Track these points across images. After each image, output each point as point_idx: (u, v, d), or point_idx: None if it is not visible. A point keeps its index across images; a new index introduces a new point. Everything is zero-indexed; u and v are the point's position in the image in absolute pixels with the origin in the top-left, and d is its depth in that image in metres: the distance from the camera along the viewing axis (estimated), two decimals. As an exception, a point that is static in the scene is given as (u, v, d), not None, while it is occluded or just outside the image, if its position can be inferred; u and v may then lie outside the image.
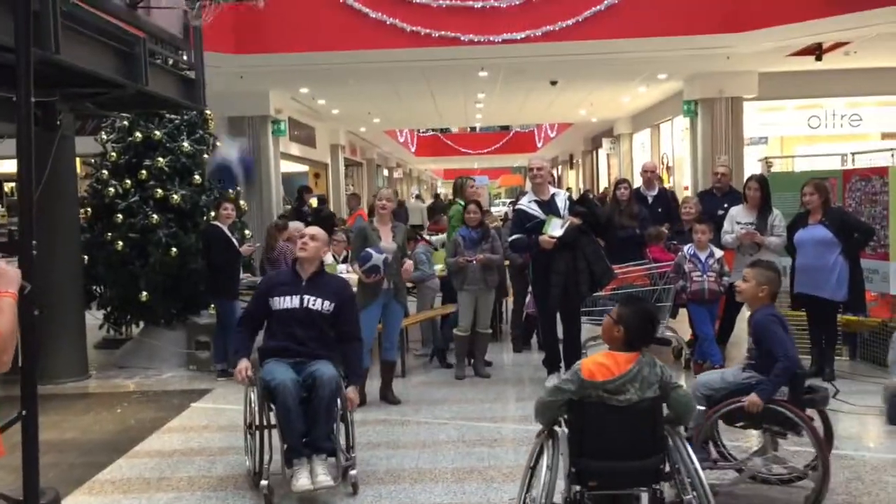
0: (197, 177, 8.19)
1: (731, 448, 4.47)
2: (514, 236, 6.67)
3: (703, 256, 6.79)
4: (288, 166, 18.84)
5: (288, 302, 4.61)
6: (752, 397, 3.85)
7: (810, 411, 4.00)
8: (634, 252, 7.64)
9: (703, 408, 3.98)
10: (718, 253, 6.87)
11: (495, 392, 6.78)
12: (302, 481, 4.24)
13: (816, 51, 12.98)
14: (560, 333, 6.76)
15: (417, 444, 5.37)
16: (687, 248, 6.94)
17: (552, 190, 6.73)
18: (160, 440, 5.75)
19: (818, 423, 4.05)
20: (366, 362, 6.15)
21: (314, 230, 4.86)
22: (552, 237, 6.32)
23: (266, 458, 4.42)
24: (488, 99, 18.40)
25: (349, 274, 8.92)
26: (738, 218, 6.95)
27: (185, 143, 8.21)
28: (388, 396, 6.43)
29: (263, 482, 4.30)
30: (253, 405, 4.50)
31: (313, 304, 4.63)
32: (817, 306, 6.54)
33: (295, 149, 18.72)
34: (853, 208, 7.20)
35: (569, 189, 13.81)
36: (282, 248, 8.76)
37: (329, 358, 4.58)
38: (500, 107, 20.25)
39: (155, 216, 7.86)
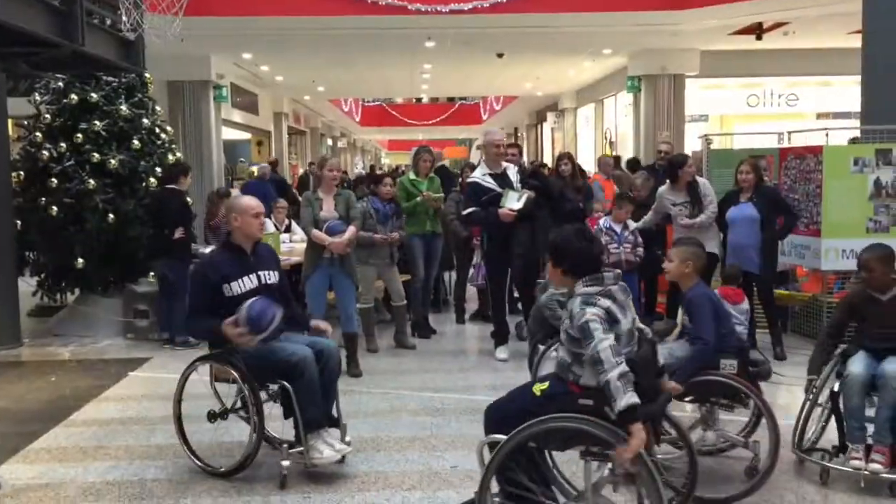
0: (136, 142, 7.99)
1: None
2: (468, 209, 6.64)
3: (618, 229, 6.95)
4: (229, 133, 18.50)
5: (247, 283, 4.30)
6: (673, 384, 3.83)
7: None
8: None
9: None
10: (633, 225, 7.03)
11: (438, 362, 6.83)
12: (328, 452, 4.16)
13: (757, 30, 13.24)
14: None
15: (359, 413, 5.38)
16: (602, 222, 7.08)
17: (503, 163, 6.75)
18: (97, 409, 5.66)
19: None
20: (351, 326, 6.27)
21: (261, 206, 4.58)
22: (512, 210, 6.36)
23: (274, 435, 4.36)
24: (434, 70, 18.30)
25: (292, 244, 8.90)
26: (670, 199, 7.04)
27: (123, 107, 7.99)
28: (351, 370, 6.32)
29: (285, 462, 4.16)
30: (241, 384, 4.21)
31: (269, 279, 4.44)
32: (749, 282, 6.73)
33: (237, 116, 18.38)
34: (788, 186, 7.39)
35: (533, 162, 13.80)
36: (223, 215, 8.64)
37: (290, 330, 4.49)
38: (447, 78, 20.17)
39: (91, 181, 7.65)
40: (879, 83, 7.39)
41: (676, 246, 4.39)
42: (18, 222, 7.74)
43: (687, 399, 4.13)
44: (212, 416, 4.43)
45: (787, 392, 5.74)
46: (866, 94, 7.52)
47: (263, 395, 4.25)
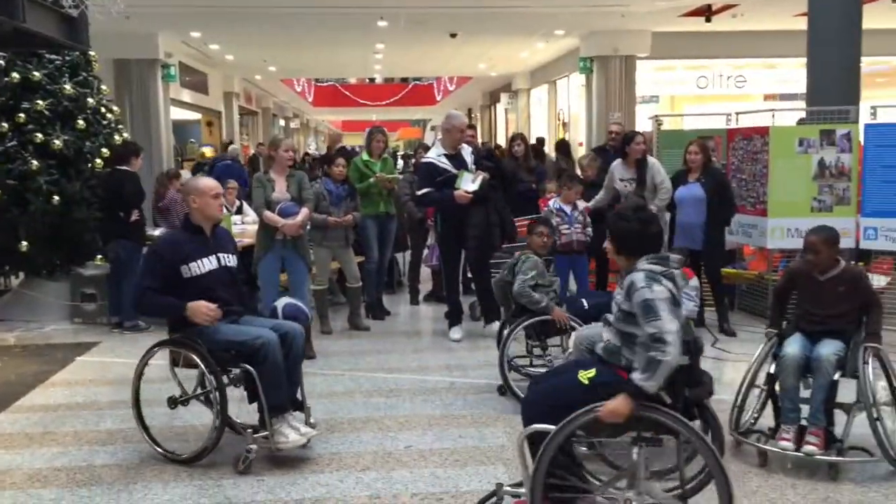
0: (81, 122, 7.79)
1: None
2: (423, 190, 6.61)
3: (568, 209, 7.01)
4: (179, 113, 18.16)
5: (207, 264, 4.25)
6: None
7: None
8: (530, 206, 7.78)
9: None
10: (582, 205, 7.10)
11: (392, 343, 6.84)
12: (293, 436, 4.13)
13: (706, 12, 13.41)
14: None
15: (313, 395, 5.35)
16: (552, 203, 7.14)
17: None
18: (44, 394, 5.55)
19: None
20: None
21: (220, 187, 4.52)
22: (467, 192, 6.36)
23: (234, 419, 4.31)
24: (388, 50, 18.17)
25: (243, 225, 8.80)
26: (618, 174, 7.15)
27: (67, 86, 7.78)
28: (305, 352, 6.27)
29: (252, 447, 4.11)
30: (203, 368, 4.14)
31: (228, 261, 4.37)
32: (692, 258, 6.85)
33: (186, 95, 18.05)
34: (736, 166, 7.52)
35: (484, 143, 13.83)
36: (173, 197, 8.51)
37: (249, 312, 4.45)
38: (400, 58, 20.06)
39: (35, 162, 7.45)
40: (824, 65, 7.54)
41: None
42: (-42, 205, 7.51)
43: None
44: (172, 402, 4.36)
45: (732, 368, 5.87)
46: (811, 75, 7.67)
47: (225, 379, 4.20)
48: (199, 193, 4.32)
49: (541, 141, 14.84)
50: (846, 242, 6.83)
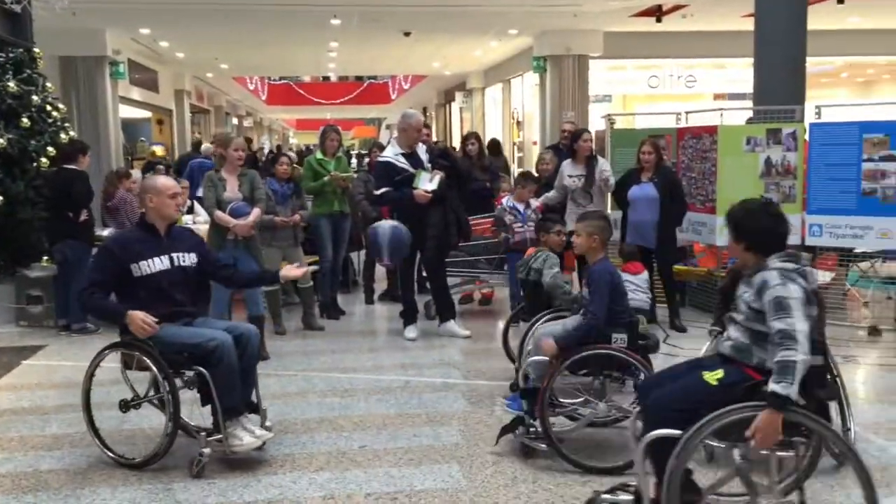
0: (25, 120, 7.61)
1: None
2: (381, 189, 6.57)
3: (521, 208, 7.06)
4: (128, 111, 17.84)
5: (158, 264, 4.15)
6: (548, 342, 4.02)
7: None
8: (485, 205, 7.80)
9: (546, 359, 4.11)
10: (535, 203, 7.16)
11: (346, 343, 6.81)
12: (248, 439, 4.06)
13: (657, 13, 13.59)
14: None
15: (266, 396, 5.28)
16: (506, 201, 7.18)
17: None
18: (-12, 400, 5.41)
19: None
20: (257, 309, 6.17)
21: (177, 187, 4.45)
22: (426, 191, 6.35)
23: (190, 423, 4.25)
24: (341, 48, 18.07)
25: (195, 225, 8.67)
26: (567, 171, 7.23)
27: (11, 83, 7.59)
28: (260, 353, 6.22)
29: (205, 450, 4.03)
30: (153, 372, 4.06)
31: (183, 261, 4.27)
32: (644, 256, 6.94)
33: (136, 93, 17.74)
34: (686, 164, 7.64)
35: (437, 142, 13.87)
36: (122, 196, 8.36)
37: (203, 314, 4.40)
38: (354, 56, 19.97)
39: (-23, 162, 7.26)
40: (770, 65, 7.70)
41: (582, 220, 4.42)
42: None
43: (581, 373, 4.22)
44: (124, 405, 4.27)
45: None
46: (758, 76, 7.82)
47: (178, 382, 4.13)
48: (156, 192, 4.24)
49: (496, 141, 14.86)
50: (792, 239, 6.98)
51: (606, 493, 3.46)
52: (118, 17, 13.38)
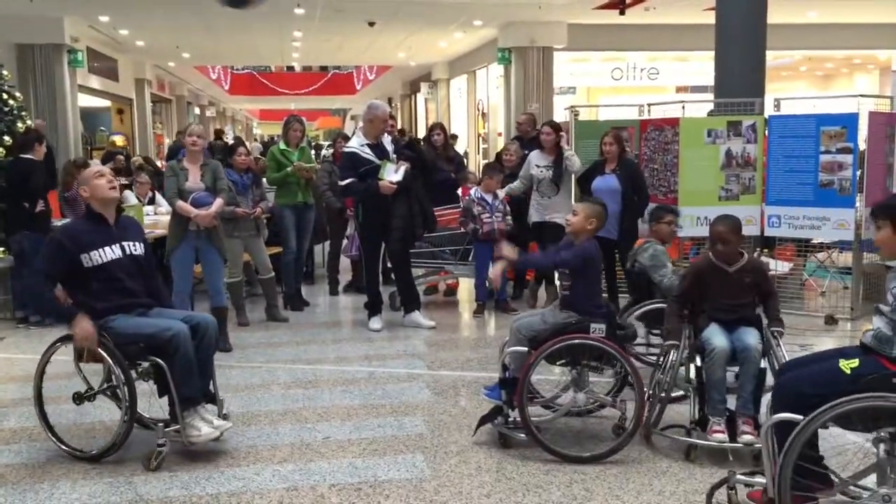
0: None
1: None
2: (347, 180, 6.54)
3: (489, 199, 7.10)
4: (87, 100, 17.54)
5: (109, 253, 4.07)
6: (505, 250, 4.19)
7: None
8: (449, 195, 7.81)
9: (525, 349, 4.14)
10: (501, 194, 7.21)
11: (311, 334, 6.78)
12: (206, 429, 4.02)
13: (620, 5, 13.68)
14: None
15: (229, 388, 5.27)
16: (474, 192, 7.21)
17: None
18: (-58, 394, 5.30)
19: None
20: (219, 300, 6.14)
21: (102, 167, 4.38)
22: (392, 182, 6.33)
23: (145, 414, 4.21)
24: (305, 38, 17.94)
25: (156, 216, 8.57)
26: (535, 161, 7.27)
27: (-35, 71, 7.43)
28: (219, 344, 6.17)
29: (161, 441, 3.98)
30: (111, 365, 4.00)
31: (134, 250, 4.20)
32: (607, 247, 6.99)
33: (95, 82, 17.45)
34: (648, 156, 7.71)
35: (400, 132, 13.87)
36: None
37: (159, 304, 4.32)
38: (318, 46, 19.83)
39: (-70, 151, 7.09)
40: (731, 59, 7.79)
41: (583, 202, 4.46)
42: None
43: (559, 363, 4.25)
44: (77, 398, 4.20)
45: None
46: (719, 69, 7.91)
47: (134, 373, 4.07)
48: (86, 181, 4.16)
49: (454, 136, 14.95)
50: (751, 230, 7.11)
51: (742, 473, 3.42)
52: (76, 4, 13.14)
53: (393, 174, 6.39)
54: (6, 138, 7.53)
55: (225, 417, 4.25)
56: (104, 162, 12.06)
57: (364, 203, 6.60)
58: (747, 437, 3.92)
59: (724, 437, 3.96)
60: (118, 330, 4.01)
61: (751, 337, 4.05)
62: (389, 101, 34.83)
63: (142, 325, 4.06)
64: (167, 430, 4.05)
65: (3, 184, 7.24)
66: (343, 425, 4.60)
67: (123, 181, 10.99)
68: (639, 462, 4.03)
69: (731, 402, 4.06)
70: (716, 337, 4.07)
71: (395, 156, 6.58)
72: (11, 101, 7.97)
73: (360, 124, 6.92)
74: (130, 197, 9.08)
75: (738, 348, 4.03)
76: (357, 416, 4.76)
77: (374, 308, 6.88)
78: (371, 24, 15.47)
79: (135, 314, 4.13)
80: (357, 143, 6.61)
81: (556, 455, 4.03)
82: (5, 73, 8.13)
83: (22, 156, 7.15)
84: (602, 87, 18.40)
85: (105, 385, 4.17)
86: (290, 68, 33.10)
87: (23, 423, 4.64)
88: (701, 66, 16.86)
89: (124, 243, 4.18)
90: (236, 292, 6.90)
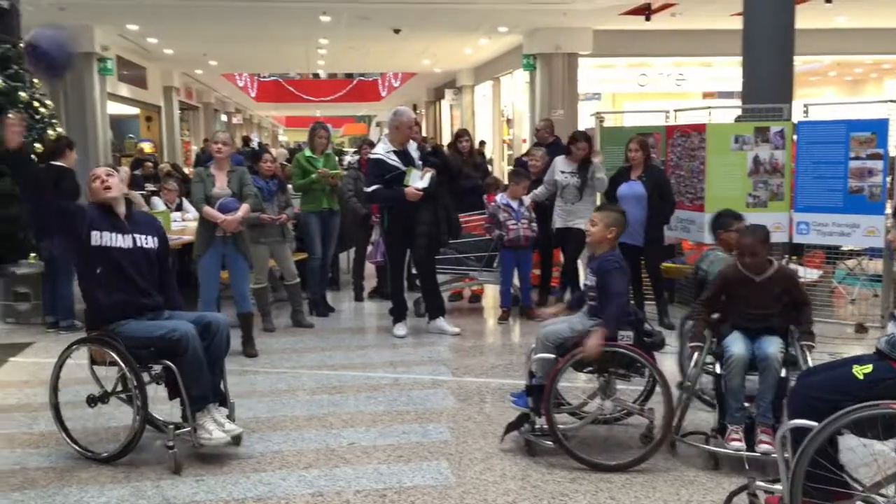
0: (11, 116, 7.55)
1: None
2: (373, 187, 6.54)
3: (515, 205, 7.09)
4: (116, 108, 17.77)
5: (119, 240, 4.10)
6: (591, 339, 3.96)
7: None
8: (473, 201, 7.81)
9: (552, 356, 4.12)
10: (527, 200, 7.20)
11: (336, 340, 6.80)
12: (217, 434, 4.05)
13: (646, 11, 13.63)
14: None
15: (255, 393, 5.32)
16: (499, 198, 7.19)
17: None
18: (-26, 398, 5.38)
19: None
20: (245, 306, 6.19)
21: (105, 168, 4.37)
22: (418, 189, 6.34)
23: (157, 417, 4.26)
24: (331, 45, 18.05)
25: (183, 222, 8.65)
26: (560, 167, 7.27)
27: (-2, 79, 7.56)
28: (247, 350, 6.24)
29: (170, 443, 4.01)
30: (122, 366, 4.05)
31: (146, 243, 4.21)
32: (632, 253, 6.96)
33: (124, 90, 17.68)
34: (674, 162, 7.66)
35: (425, 139, 13.93)
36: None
37: (170, 307, 4.35)
38: (344, 53, 19.94)
39: (-37, 158, 7.21)
40: (758, 64, 7.73)
41: (603, 211, 4.40)
42: None
43: (586, 370, 4.22)
44: (91, 401, 4.27)
45: (673, 362, 5.98)
46: (746, 74, 7.85)
47: (146, 376, 4.13)
48: (89, 187, 4.23)
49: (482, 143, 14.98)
50: (780, 237, 7.04)
51: (762, 480, 3.40)
52: (106, 14, 13.33)
53: (418, 181, 6.40)
54: (37, 146, 7.65)
55: (231, 420, 4.25)
56: (133, 169, 12.21)
57: (390, 210, 6.61)
58: (765, 447, 3.86)
59: (741, 445, 3.92)
60: (128, 334, 4.07)
61: (771, 345, 3.99)
62: (414, 107, 34.93)
63: (150, 329, 4.10)
64: (178, 432, 4.08)
65: (35, 190, 7.34)
66: (368, 431, 4.60)
67: (151, 188, 11.14)
68: (665, 471, 4.00)
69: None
70: (735, 344, 4.03)
71: (420, 162, 6.59)
72: (42, 110, 8.10)
73: (386, 131, 6.94)
74: (158, 203, 9.17)
75: (758, 357, 3.98)
76: (382, 422, 4.76)
77: (398, 314, 6.89)
78: (396, 31, 15.54)
79: (145, 318, 4.16)
80: (383, 150, 6.62)
81: (583, 463, 4.01)
82: (36, 81, 8.25)
83: (53, 162, 7.24)
84: (627, 92, 18.33)
85: (118, 388, 4.25)
86: (316, 75, 33.35)
87: (52, 426, 4.65)
88: (728, 72, 16.75)
89: (136, 235, 4.20)
90: (262, 298, 6.94)
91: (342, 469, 4.07)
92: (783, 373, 3.96)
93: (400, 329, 6.84)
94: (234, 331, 6.32)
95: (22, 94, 7.77)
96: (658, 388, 4.12)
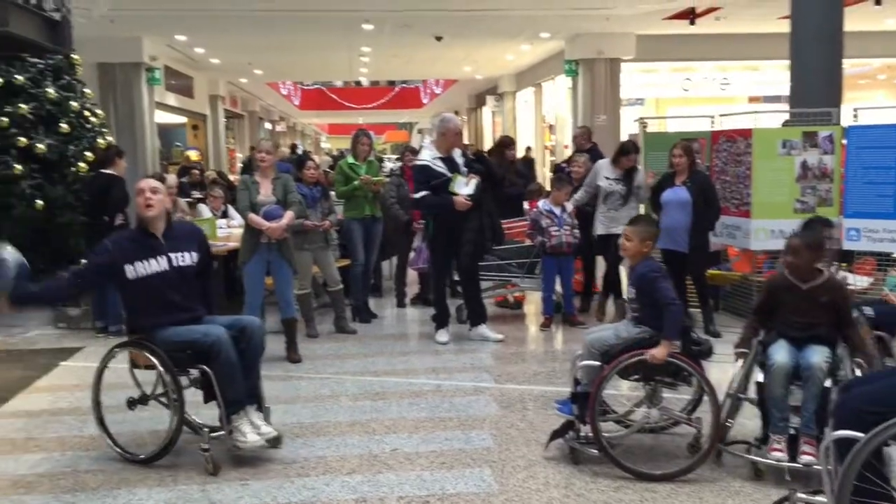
0: (64, 125, 7.76)
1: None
2: (420, 193, 6.52)
3: (557, 211, 7.05)
4: (164, 117, 18.10)
5: (154, 265, 4.19)
6: (658, 351, 3.94)
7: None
8: (515, 208, 7.80)
9: (598, 363, 4.10)
10: (570, 207, 7.16)
11: (378, 346, 6.83)
12: (252, 437, 4.14)
13: (690, 15, 13.49)
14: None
15: (299, 399, 5.37)
16: (542, 204, 7.16)
17: None
18: (27, 400, 5.51)
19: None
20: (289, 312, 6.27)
21: (152, 182, 4.43)
22: (465, 196, 6.36)
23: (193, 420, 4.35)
24: (373, 53, 18.18)
25: (229, 229, 8.77)
26: (604, 173, 7.23)
27: (51, 90, 7.75)
28: (291, 355, 6.32)
29: (204, 446, 4.12)
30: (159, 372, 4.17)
31: (182, 261, 4.29)
32: (676, 260, 6.89)
33: (171, 99, 18.00)
34: (720, 168, 7.56)
35: (468, 146, 13.85)
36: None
37: (208, 313, 4.42)
38: (386, 61, 20.06)
39: (18, 166, 7.41)
40: (806, 68, 7.59)
41: (636, 224, 4.36)
42: (-59, 209, 7.47)
43: (632, 378, 4.18)
44: (131, 403, 4.39)
45: (719, 369, 5.89)
46: (794, 78, 7.72)
47: (185, 380, 4.23)
48: (135, 193, 4.32)
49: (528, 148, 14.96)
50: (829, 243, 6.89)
51: (803, 492, 3.35)
52: (155, 25, 13.59)
53: (463, 187, 6.41)
54: (88, 154, 7.82)
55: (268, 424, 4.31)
56: (179, 176, 12.42)
57: (435, 216, 6.62)
58: (807, 458, 3.79)
59: (782, 455, 3.84)
60: (165, 338, 4.17)
61: (816, 355, 3.90)
62: (456, 113, 34.96)
63: (184, 333, 4.19)
64: (213, 435, 4.17)
65: (86, 198, 7.52)
66: (411, 438, 4.61)
67: (197, 195, 11.32)
68: (711, 481, 3.94)
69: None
70: (778, 352, 3.96)
71: (465, 169, 6.60)
72: (93, 119, 8.28)
73: (427, 138, 6.95)
74: (204, 210, 9.32)
75: (801, 366, 3.90)
76: (424, 428, 4.77)
77: (441, 320, 6.89)
78: (438, 38, 15.59)
79: (182, 324, 4.24)
80: (429, 156, 6.62)
81: (628, 472, 3.97)
82: (87, 91, 8.45)
83: (103, 171, 7.40)
84: (671, 97, 18.14)
85: (157, 391, 4.34)
86: (358, 83, 33.60)
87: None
88: (774, 75, 16.49)
89: (172, 255, 4.27)
90: (306, 304, 7.00)
91: (385, 475, 4.08)
92: (828, 383, 3.87)
93: (442, 335, 6.85)
94: (278, 336, 6.45)
95: (73, 103, 7.96)
96: (706, 398, 4.06)
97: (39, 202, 7.44)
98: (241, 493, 3.89)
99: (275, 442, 4.25)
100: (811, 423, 3.86)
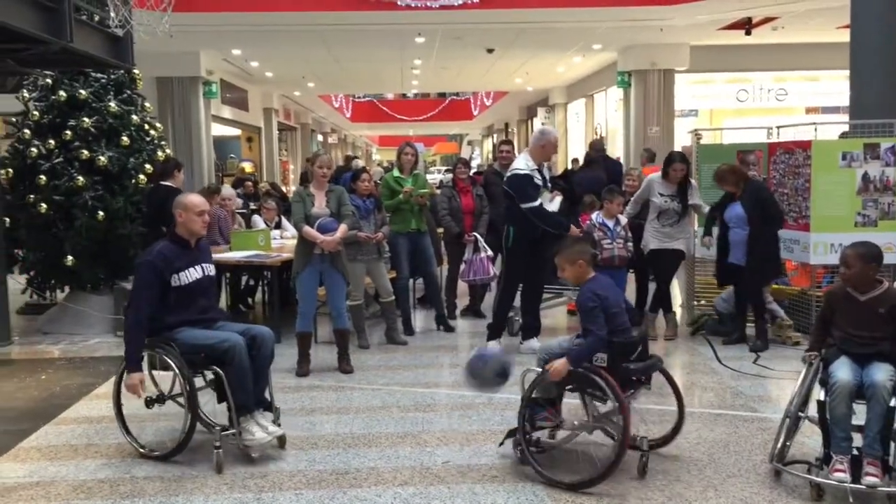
0: (125, 138, 7.95)
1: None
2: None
3: (610, 224, 6.97)
4: (219, 129, 18.46)
5: (194, 274, 4.54)
6: (555, 365, 4.07)
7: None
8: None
9: (539, 370, 4.26)
10: (623, 220, 7.08)
11: (429, 358, 6.83)
12: (260, 434, 4.39)
13: (746, 25, 13.30)
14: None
15: (351, 409, 5.40)
16: (595, 216, 7.09)
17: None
18: (87, 407, 5.64)
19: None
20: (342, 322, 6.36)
21: (206, 205, 4.69)
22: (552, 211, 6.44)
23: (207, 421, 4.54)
24: (425, 65, 18.30)
25: (282, 240, 8.89)
26: (658, 189, 7.14)
27: (112, 104, 7.95)
28: (342, 366, 6.36)
29: (217, 443, 4.35)
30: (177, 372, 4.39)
31: (209, 270, 4.68)
32: (738, 273, 6.79)
33: (227, 112, 18.35)
34: (777, 180, 7.42)
35: (574, 161, 13.72)
36: (214, 212, 8.63)
37: (222, 318, 4.76)
38: (437, 73, 20.18)
39: (80, 178, 7.62)
40: (867, 78, 7.42)
41: (560, 254, 4.38)
42: (7, 220, 7.70)
43: (568, 388, 4.25)
44: (149, 402, 4.66)
45: (775, 386, 5.77)
46: (854, 88, 7.55)
47: (200, 381, 4.52)
48: (185, 209, 4.56)
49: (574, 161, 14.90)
50: (892, 258, 6.71)
51: None
52: (212, 40, 13.89)
53: (549, 203, 6.43)
54: (148, 166, 8.01)
55: (278, 425, 4.58)
56: (235, 187, 12.63)
57: (524, 229, 6.47)
58: (871, 480, 3.67)
59: (845, 476, 3.71)
60: (183, 341, 4.43)
61: (880, 373, 3.78)
62: (506, 126, 34.98)
63: (202, 337, 4.46)
64: (223, 433, 4.40)
65: (144, 209, 7.69)
66: (462, 450, 4.60)
67: (252, 206, 11.50)
68: (769, 501, 3.85)
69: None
70: (840, 370, 3.86)
71: (550, 185, 6.60)
72: (152, 132, 8.48)
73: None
74: (259, 221, 9.45)
75: (864, 384, 3.79)
76: (476, 441, 4.76)
77: (495, 332, 6.86)
78: (490, 50, 15.63)
79: (202, 327, 4.53)
80: (528, 167, 6.48)
81: (544, 479, 4.06)
82: (147, 105, 8.65)
83: (162, 182, 7.57)
84: (726, 108, 17.86)
85: (174, 391, 4.62)
86: (404, 95, 33.83)
87: (160, 437, 4.87)
88: (833, 86, 16.14)
89: (203, 264, 4.64)
90: (358, 315, 7.05)
91: (437, 487, 4.08)
92: (893, 402, 3.75)
93: (493, 347, 6.81)
94: (330, 347, 6.51)
95: (134, 117, 8.15)
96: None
97: (101, 213, 7.63)
98: (295, 502, 3.93)
99: (281, 441, 4.59)
100: (875, 444, 3.74)
